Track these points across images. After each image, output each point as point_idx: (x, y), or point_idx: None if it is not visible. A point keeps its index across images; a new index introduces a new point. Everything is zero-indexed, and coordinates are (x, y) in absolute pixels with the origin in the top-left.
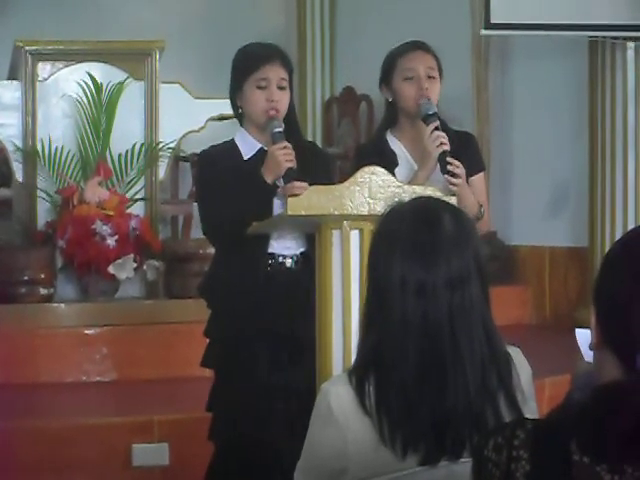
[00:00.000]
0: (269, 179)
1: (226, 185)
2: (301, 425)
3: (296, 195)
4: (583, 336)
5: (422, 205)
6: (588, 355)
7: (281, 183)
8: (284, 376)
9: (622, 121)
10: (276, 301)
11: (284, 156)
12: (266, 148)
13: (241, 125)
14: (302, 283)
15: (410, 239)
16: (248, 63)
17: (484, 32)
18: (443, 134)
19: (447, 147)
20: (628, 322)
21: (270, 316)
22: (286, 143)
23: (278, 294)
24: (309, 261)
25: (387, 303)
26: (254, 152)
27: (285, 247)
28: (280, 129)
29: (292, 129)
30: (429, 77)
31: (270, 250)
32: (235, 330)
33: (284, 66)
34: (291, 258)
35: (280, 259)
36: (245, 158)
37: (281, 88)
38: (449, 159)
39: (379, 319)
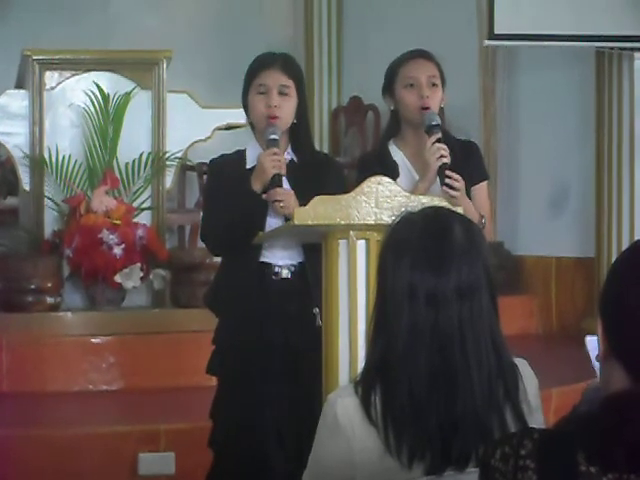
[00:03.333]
0: (256, 186)
1: (226, 194)
2: (293, 434)
3: (278, 201)
4: (593, 344)
5: (432, 214)
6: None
7: None
8: (279, 385)
9: (629, 131)
10: (272, 311)
11: (271, 162)
12: None
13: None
14: (298, 293)
15: (420, 248)
16: (250, 71)
17: (487, 43)
18: (444, 146)
19: (447, 160)
20: (635, 332)
21: (266, 326)
22: (275, 150)
23: (274, 304)
24: (305, 272)
25: (396, 312)
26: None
27: (281, 257)
28: (275, 136)
29: (302, 141)
30: (432, 85)
31: (267, 260)
32: (232, 339)
33: (286, 72)
34: (288, 268)
35: (277, 269)
36: (248, 167)
37: (282, 94)
38: (448, 172)
39: (387, 328)
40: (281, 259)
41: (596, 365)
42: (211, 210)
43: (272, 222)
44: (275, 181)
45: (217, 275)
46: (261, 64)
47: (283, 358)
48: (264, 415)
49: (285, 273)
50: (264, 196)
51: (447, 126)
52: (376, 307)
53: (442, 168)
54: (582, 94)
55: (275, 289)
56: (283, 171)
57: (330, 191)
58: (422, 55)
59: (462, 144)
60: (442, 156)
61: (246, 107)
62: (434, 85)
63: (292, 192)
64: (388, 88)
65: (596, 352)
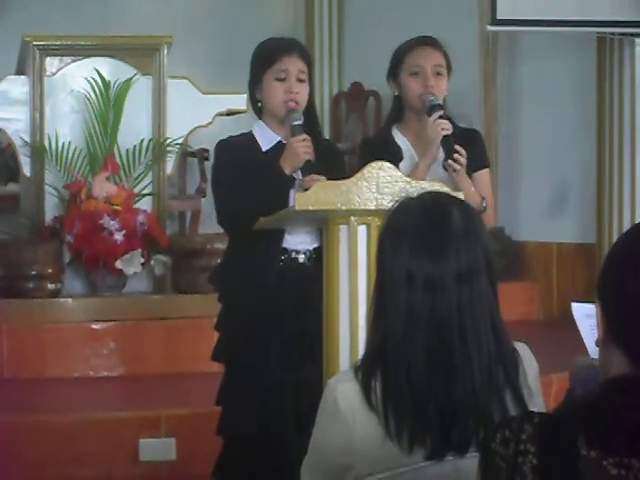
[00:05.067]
0: (287, 170)
1: (244, 175)
2: (309, 421)
3: None
4: (579, 310)
5: (431, 199)
6: (585, 329)
7: (298, 176)
8: (293, 372)
9: (630, 117)
10: (288, 297)
11: (303, 148)
12: (285, 141)
13: (259, 118)
14: (314, 279)
15: (419, 233)
16: (267, 55)
17: (490, 28)
18: (446, 121)
19: (449, 131)
20: (634, 316)
21: (281, 312)
22: (305, 136)
23: (290, 290)
24: (321, 256)
25: (395, 297)
26: (273, 144)
27: (299, 242)
28: (300, 122)
29: (312, 126)
30: (437, 74)
31: (284, 245)
32: (245, 325)
33: (303, 59)
34: (304, 254)
35: (293, 254)
36: (264, 149)
37: (300, 81)
38: (456, 147)
39: (386, 314)
40: (299, 244)
41: (583, 330)
42: (229, 191)
43: None
44: (308, 168)
45: (228, 259)
46: (280, 49)
47: (299, 344)
48: (281, 401)
49: (302, 258)
50: (297, 182)
51: (448, 113)
52: (375, 293)
53: (446, 140)
54: (583, 81)
55: (291, 274)
56: (313, 158)
57: (334, 177)
58: (429, 43)
59: (465, 132)
60: (443, 129)
61: (253, 91)
62: (439, 74)
63: (325, 179)
64: (393, 74)
65: (582, 318)
